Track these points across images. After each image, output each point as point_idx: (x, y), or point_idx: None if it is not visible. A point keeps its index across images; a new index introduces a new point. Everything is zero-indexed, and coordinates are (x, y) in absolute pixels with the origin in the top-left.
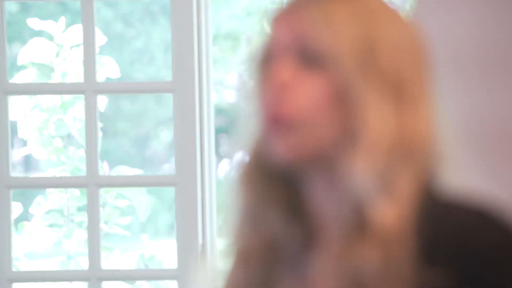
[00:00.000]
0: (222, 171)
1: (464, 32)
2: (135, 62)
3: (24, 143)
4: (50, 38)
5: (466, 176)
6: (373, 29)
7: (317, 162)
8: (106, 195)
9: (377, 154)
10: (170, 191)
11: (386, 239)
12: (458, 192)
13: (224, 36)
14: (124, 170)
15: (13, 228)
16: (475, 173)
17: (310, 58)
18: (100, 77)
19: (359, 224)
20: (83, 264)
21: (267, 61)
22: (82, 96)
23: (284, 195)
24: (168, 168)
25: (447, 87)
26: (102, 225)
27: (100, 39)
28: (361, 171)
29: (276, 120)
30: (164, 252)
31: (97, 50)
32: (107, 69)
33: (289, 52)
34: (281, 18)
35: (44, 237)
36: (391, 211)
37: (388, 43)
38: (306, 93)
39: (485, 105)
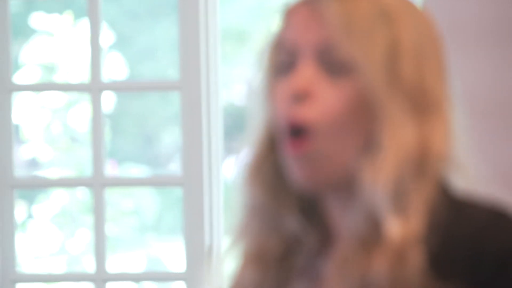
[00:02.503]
0: (231, 171)
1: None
2: (142, 59)
3: (29, 143)
4: (55, 35)
5: (477, 181)
6: (396, 30)
7: (337, 184)
8: (113, 195)
9: (394, 168)
10: (177, 192)
11: (397, 250)
12: (471, 196)
13: (232, 33)
14: (132, 168)
15: (17, 228)
16: (485, 175)
17: (332, 65)
18: (106, 74)
19: (372, 234)
20: (88, 264)
21: (283, 61)
22: (88, 95)
23: (296, 197)
24: (175, 166)
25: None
26: (108, 225)
27: (107, 36)
28: (377, 184)
29: (295, 127)
30: (171, 253)
31: (104, 47)
32: (114, 66)
33: (309, 56)
34: (298, 14)
35: (49, 237)
36: (404, 225)
37: (411, 46)
38: (327, 101)
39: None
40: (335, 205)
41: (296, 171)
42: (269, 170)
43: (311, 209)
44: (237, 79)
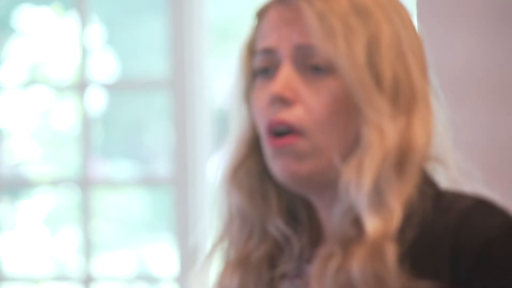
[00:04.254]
0: (213, 174)
1: None
2: (133, 56)
3: (15, 142)
4: (41, 31)
5: (460, 175)
6: (374, 26)
7: (321, 182)
8: (100, 194)
9: (376, 165)
10: (168, 192)
11: (377, 247)
12: (454, 190)
13: (224, 30)
14: (122, 166)
15: (1, 228)
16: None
17: (311, 65)
18: (96, 72)
19: (353, 232)
20: (75, 265)
21: (262, 64)
22: (76, 93)
23: (281, 201)
24: (164, 162)
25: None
26: (95, 225)
27: (97, 32)
28: (358, 182)
29: (277, 130)
30: (161, 254)
31: (93, 44)
32: (104, 63)
33: (287, 58)
34: (272, 15)
35: (35, 236)
36: (384, 222)
37: (390, 42)
38: (309, 103)
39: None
40: (322, 207)
41: (278, 164)
42: (251, 175)
43: (297, 213)
44: (227, 76)
